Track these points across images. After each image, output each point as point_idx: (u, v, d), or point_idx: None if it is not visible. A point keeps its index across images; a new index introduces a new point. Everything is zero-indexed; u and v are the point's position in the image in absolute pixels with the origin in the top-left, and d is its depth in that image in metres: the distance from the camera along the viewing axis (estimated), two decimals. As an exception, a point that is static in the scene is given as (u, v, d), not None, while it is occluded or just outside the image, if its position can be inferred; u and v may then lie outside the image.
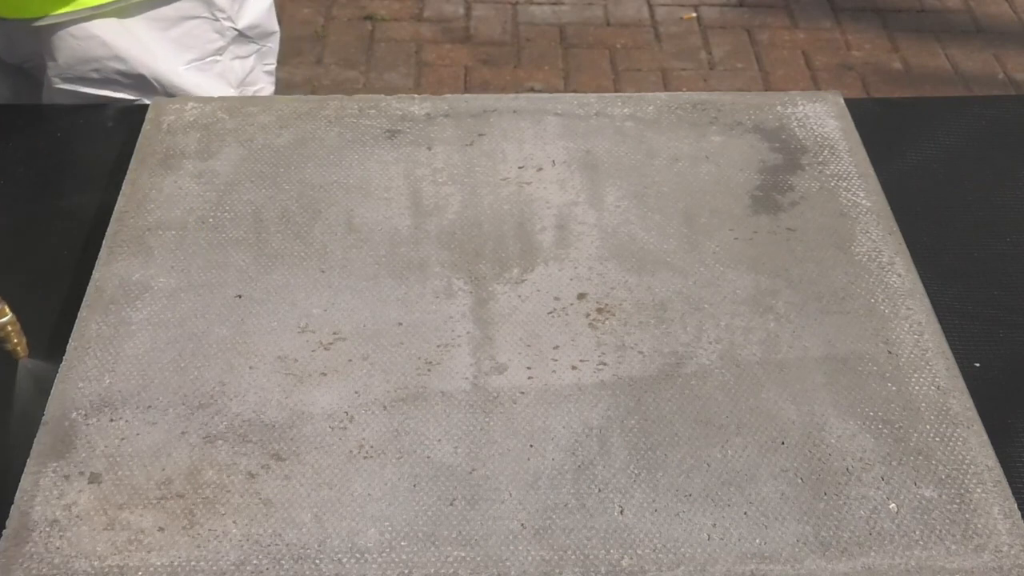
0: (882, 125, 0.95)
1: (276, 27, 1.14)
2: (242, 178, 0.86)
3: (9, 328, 0.69)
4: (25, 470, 0.65)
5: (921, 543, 0.62)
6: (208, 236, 0.80)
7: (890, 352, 0.73)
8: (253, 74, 1.13)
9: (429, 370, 0.71)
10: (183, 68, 1.04)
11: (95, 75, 1.01)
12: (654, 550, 0.62)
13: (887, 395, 0.70)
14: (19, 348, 0.71)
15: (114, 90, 1.02)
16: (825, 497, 0.64)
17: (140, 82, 1.03)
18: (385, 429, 0.68)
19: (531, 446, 0.67)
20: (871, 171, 0.87)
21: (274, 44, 1.15)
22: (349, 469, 0.66)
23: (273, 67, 1.17)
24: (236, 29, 1.08)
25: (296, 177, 0.86)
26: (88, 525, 0.62)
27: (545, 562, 0.61)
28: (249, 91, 1.13)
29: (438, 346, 0.73)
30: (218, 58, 1.08)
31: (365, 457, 0.66)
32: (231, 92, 1.09)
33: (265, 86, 1.16)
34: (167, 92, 1.03)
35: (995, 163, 0.93)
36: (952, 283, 0.81)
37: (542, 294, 0.77)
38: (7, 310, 0.68)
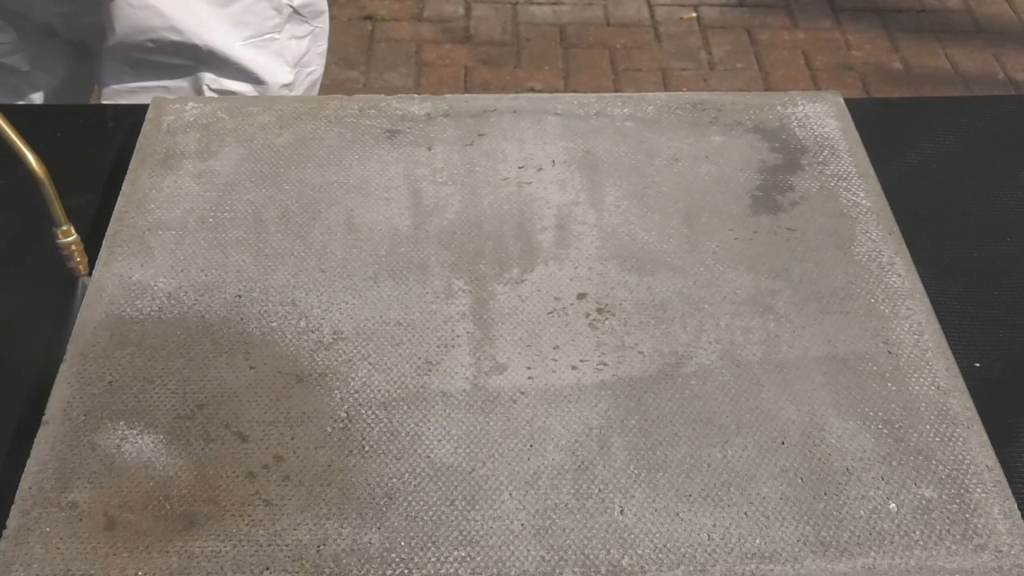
0: (882, 125, 0.95)
1: (326, 7, 1.15)
2: (242, 178, 0.86)
3: (73, 248, 0.76)
4: (25, 470, 0.65)
5: (921, 543, 0.62)
6: (208, 236, 0.80)
7: (890, 352, 0.73)
8: (308, 55, 1.14)
9: (429, 370, 0.71)
10: (240, 44, 1.05)
11: (151, 45, 1.02)
12: (654, 550, 0.62)
13: (887, 395, 0.70)
14: (81, 266, 0.77)
15: (170, 58, 1.03)
16: (825, 497, 0.64)
17: (195, 54, 1.03)
18: (385, 429, 0.68)
19: (531, 446, 0.67)
20: (871, 171, 0.87)
21: (324, 25, 1.16)
22: (349, 469, 0.66)
23: (324, 49, 1.18)
24: (292, 7, 1.08)
25: (296, 177, 0.86)
26: (88, 525, 0.62)
27: (545, 562, 0.61)
28: (304, 72, 1.13)
29: (438, 346, 0.73)
30: (276, 36, 1.09)
31: (365, 457, 0.66)
32: (287, 71, 1.09)
33: (318, 68, 1.17)
34: (223, 67, 1.04)
35: (995, 163, 0.93)
36: (952, 283, 0.81)
37: (542, 294, 0.77)
38: (72, 231, 0.76)
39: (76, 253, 0.76)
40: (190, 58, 1.04)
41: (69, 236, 0.75)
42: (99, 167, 0.90)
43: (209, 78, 1.06)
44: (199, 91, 1.07)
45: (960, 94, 2.38)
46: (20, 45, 1.04)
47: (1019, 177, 0.91)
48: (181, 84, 1.07)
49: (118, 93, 1.07)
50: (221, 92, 1.07)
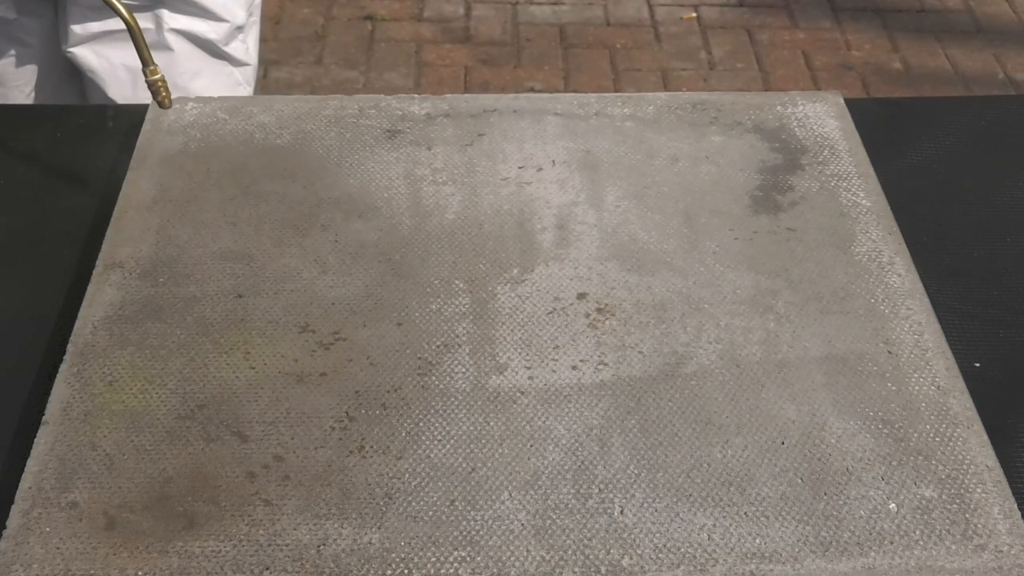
0: (882, 125, 0.96)
1: None
2: (243, 178, 0.86)
3: (159, 84, 0.86)
4: (25, 470, 0.65)
5: (921, 543, 0.62)
6: (208, 237, 0.80)
7: (890, 352, 0.73)
8: (254, 3, 1.18)
9: (429, 370, 0.71)
10: None
11: None
12: (654, 550, 0.62)
13: (887, 395, 0.70)
14: (167, 99, 0.87)
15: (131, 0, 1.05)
16: (825, 497, 0.64)
17: (156, 0, 1.06)
18: (385, 429, 0.68)
19: (531, 446, 0.67)
20: (871, 171, 0.87)
21: None
22: (349, 469, 0.66)
23: (260, 1, 1.22)
24: None
25: (296, 177, 0.86)
26: (88, 525, 0.62)
27: (545, 562, 0.61)
28: (252, 20, 1.17)
29: (438, 346, 0.73)
30: None
31: (365, 457, 0.66)
32: (242, 13, 1.14)
33: (258, 20, 1.21)
34: (182, 5, 1.07)
35: (995, 163, 0.93)
36: (952, 283, 0.81)
37: (542, 294, 0.77)
38: (158, 70, 0.86)
39: (162, 88, 0.87)
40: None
41: (156, 74, 0.86)
42: (99, 167, 0.90)
43: (168, 16, 1.09)
44: (160, 29, 1.08)
45: (960, 94, 2.38)
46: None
47: (1019, 177, 0.91)
48: (143, 25, 1.08)
49: (82, 38, 1.08)
50: (180, 32, 1.10)
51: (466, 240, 0.81)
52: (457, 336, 0.74)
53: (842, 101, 0.94)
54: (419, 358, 0.72)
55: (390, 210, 0.83)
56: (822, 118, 0.92)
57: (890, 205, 0.84)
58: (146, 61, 0.85)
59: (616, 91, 2.41)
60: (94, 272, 0.77)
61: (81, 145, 0.93)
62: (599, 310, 0.76)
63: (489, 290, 0.77)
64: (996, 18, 2.68)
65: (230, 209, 0.83)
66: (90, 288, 0.76)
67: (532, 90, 2.41)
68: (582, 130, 0.90)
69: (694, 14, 2.67)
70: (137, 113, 0.93)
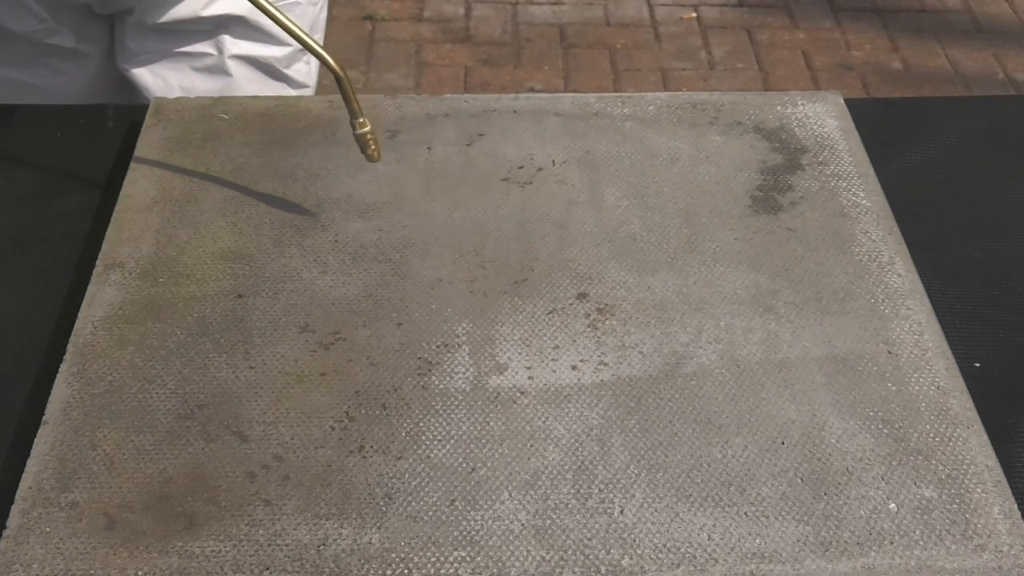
0: (882, 125, 0.95)
1: None
2: (242, 178, 0.86)
3: (369, 137, 0.81)
4: (25, 470, 0.65)
5: (921, 543, 0.62)
6: (208, 237, 0.80)
7: (890, 352, 0.73)
8: (318, 22, 1.17)
9: (429, 370, 0.71)
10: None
11: (176, 16, 1.04)
12: (654, 550, 0.62)
13: (887, 395, 0.70)
14: (376, 153, 0.82)
15: (194, 26, 1.05)
16: (825, 497, 0.64)
17: (218, 20, 1.06)
18: (385, 429, 0.68)
19: (531, 446, 0.67)
20: (871, 171, 0.87)
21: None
22: (349, 469, 0.66)
23: (325, 16, 1.22)
24: None
25: (296, 177, 0.86)
26: (88, 525, 0.62)
27: (545, 562, 0.61)
28: (315, 40, 1.17)
29: (438, 346, 0.73)
30: (298, 2, 1.12)
31: (365, 457, 0.66)
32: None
33: (322, 41, 1.19)
34: (245, 29, 1.06)
35: (995, 163, 0.93)
36: (952, 283, 0.81)
37: (542, 294, 0.77)
38: (368, 123, 0.81)
39: (372, 142, 0.83)
40: (212, 23, 1.06)
41: (365, 127, 0.82)
42: (99, 167, 0.90)
43: (230, 42, 1.09)
44: (221, 55, 1.08)
45: (960, 94, 2.38)
46: (61, 26, 1.05)
47: (1019, 177, 0.91)
48: (204, 49, 1.08)
49: (140, 59, 1.08)
50: (242, 58, 1.09)
51: (466, 240, 0.81)
52: (457, 336, 0.74)
53: (842, 101, 0.94)
54: (419, 358, 0.72)
55: (390, 210, 0.83)
56: (822, 118, 0.92)
57: (890, 205, 0.84)
58: (354, 113, 0.80)
59: (616, 91, 2.41)
60: (94, 272, 0.77)
61: (81, 145, 0.93)
62: (599, 310, 0.76)
63: (489, 290, 0.77)
64: (996, 18, 2.69)
65: (230, 209, 0.83)
66: (90, 288, 0.76)
67: (532, 90, 2.41)
68: (582, 130, 0.90)
69: (694, 14, 2.67)
70: (137, 113, 0.93)
